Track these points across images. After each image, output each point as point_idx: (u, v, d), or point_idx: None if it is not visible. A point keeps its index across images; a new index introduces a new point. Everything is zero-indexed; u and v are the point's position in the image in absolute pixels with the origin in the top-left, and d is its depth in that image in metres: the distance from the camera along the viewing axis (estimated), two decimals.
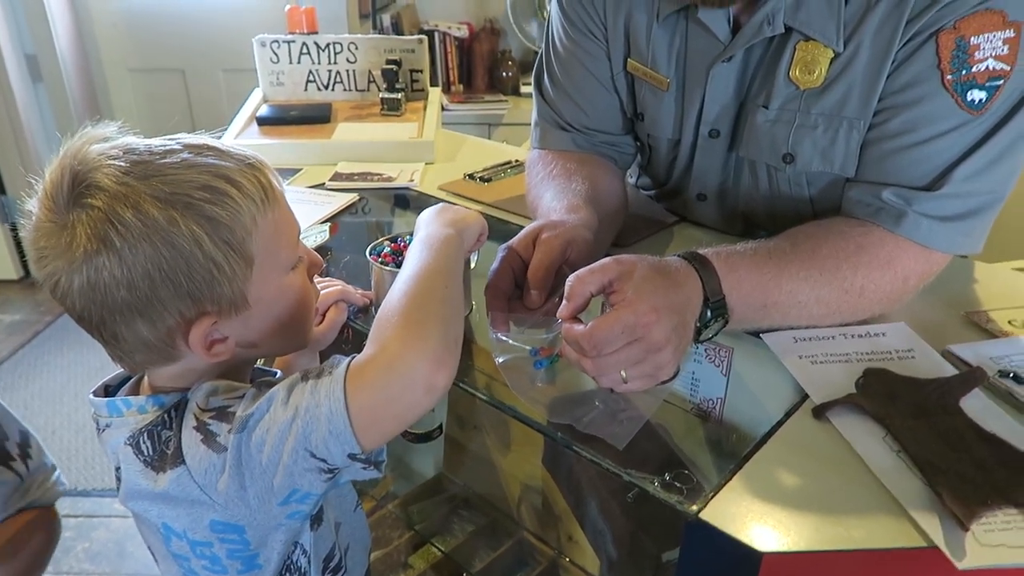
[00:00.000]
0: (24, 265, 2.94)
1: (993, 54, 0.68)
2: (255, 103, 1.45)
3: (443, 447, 1.17)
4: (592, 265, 0.62)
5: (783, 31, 0.77)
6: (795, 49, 0.77)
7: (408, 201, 1.17)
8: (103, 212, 0.54)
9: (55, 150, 0.58)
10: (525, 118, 2.60)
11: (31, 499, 0.93)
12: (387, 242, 0.80)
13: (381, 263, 0.77)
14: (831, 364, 0.70)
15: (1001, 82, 0.69)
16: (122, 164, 0.56)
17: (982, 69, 0.69)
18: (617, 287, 0.61)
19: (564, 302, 0.62)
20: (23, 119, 2.75)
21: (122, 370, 0.65)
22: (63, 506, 1.79)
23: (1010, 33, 0.67)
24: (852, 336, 0.73)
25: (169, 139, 0.59)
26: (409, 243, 0.74)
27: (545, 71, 0.99)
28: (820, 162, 0.80)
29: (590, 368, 0.60)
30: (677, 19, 0.85)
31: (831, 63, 0.76)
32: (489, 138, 2.64)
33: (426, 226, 0.68)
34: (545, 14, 2.64)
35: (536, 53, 2.74)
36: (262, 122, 1.35)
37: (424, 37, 1.49)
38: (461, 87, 2.69)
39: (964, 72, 0.69)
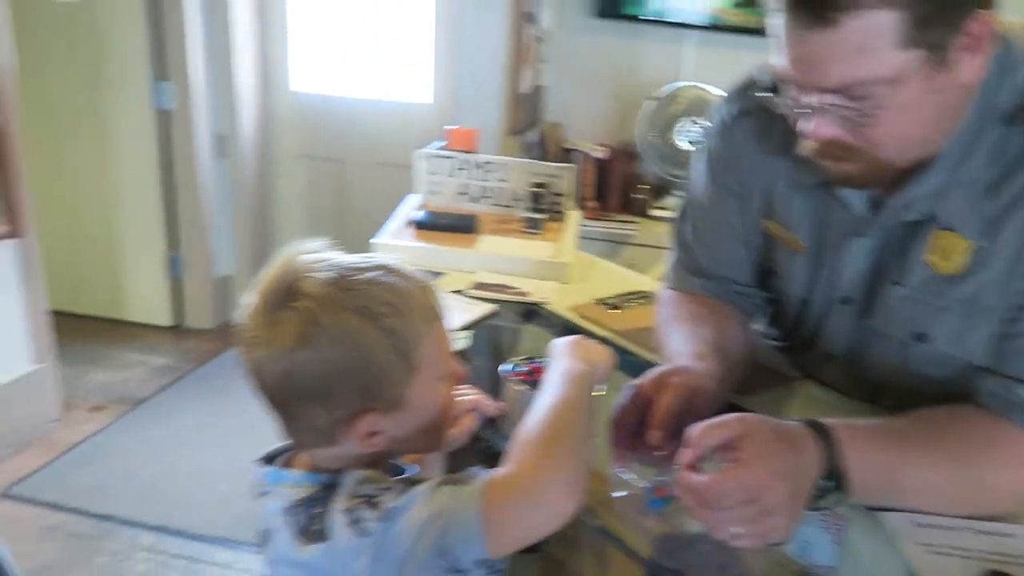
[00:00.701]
0: (176, 314, 3.27)
1: None
2: (411, 206, 1.61)
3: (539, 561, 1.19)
4: (717, 419, 0.66)
5: (922, 218, 0.80)
6: (933, 235, 0.80)
7: (540, 317, 1.25)
8: (307, 315, 0.65)
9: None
10: (653, 241, 2.69)
11: None
12: (522, 362, 0.87)
13: (517, 382, 0.84)
14: (951, 558, 0.69)
15: None
16: (326, 276, 0.67)
17: None
18: (738, 445, 0.64)
19: (685, 450, 0.66)
20: (205, 190, 3.13)
21: (283, 443, 0.74)
22: (174, 545, 1.92)
23: None
24: (978, 531, 0.72)
25: (364, 258, 0.70)
26: (542, 365, 0.80)
27: (685, 217, 1.06)
28: (954, 346, 0.81)
29: (703, 519, 0.63)
30: (816, 189, 0.90)
31: (970, 253, 0.77)
32: (617, 256, 2.73)
33: (565, 358, 0.74)
34: (676, 140, 2.75)
35: (666, 179, 2.86)
36: (416, 225, 1.50)
37: (573, 166, 1.61)
38: (595, 204, 2.82)
39: None
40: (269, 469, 0.71)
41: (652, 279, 1.52)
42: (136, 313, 3.26)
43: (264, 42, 3.19)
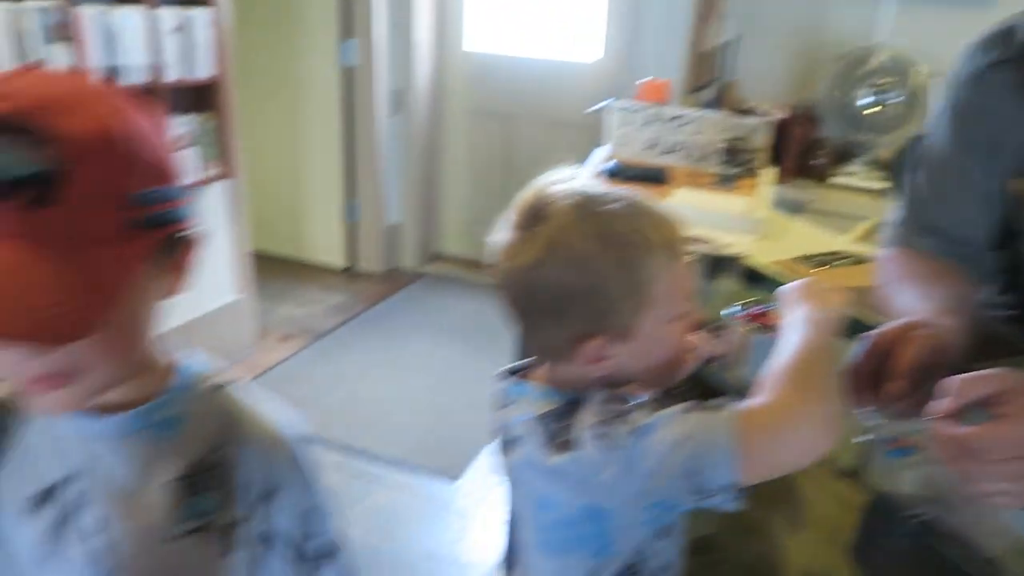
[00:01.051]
0: (350, 258, 3.51)
1: None
2: (602, 157, 1.63)
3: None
4: (983, 372, 0.64)
5: None
6: None
7: (736, 269, 1.24)
8: (549, 237, 0.69)
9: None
10: (831, 208, 2.56)
11: None
12: (747, 304, 0.88)
13: (743, 323, 0.85)
14: None
15: None
16: (574, 201, 0.70)
17: None
18: (1005, 400, 0.62)
19: (941, 401, 0.64)
20: (380, 142, 3.31)
21: (520, 361, 0.80)
22: (356, 464, 2.11)
23: None
24: None
25: (614, 189, 0.73)
26: (767, 310, 0.80)
27: (919, 170, 1.00)
28: None
29: (963, 472, 0.62)
30: None
31: None
32: None
33: (804, 302, 0.73)
34: (862, 102, 2.58)
35: (847, 144, 2.69)
36: (609, 175, 1.52)
37: (768, 121, 1.56)
38: (770, 168, 2.72)
39: None
40: (511, 382, 0.77)
41: (850, 241, 1.46)
42: (315, 255, 3.53)
43: (442, 2, 3.29)
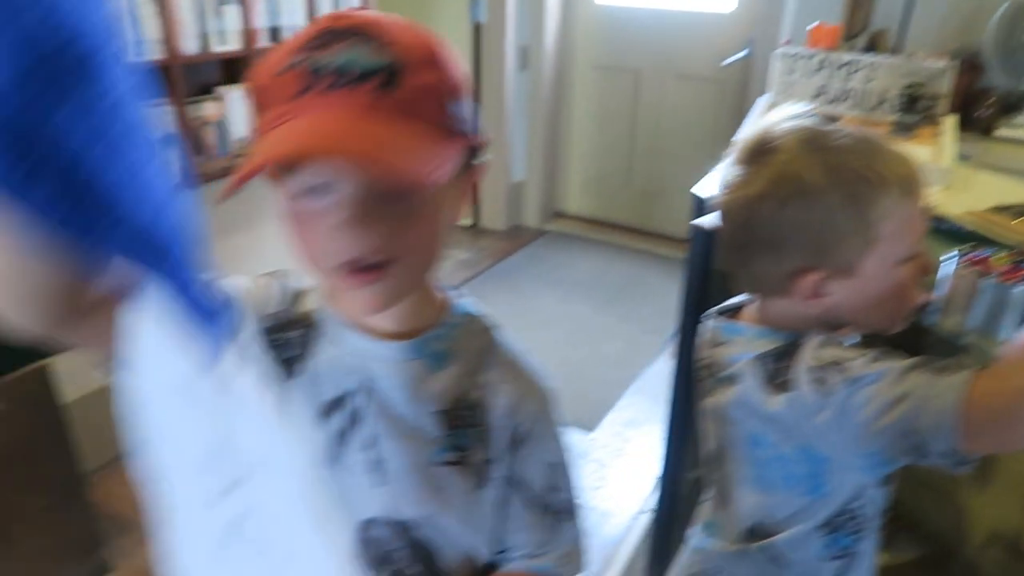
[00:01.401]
0: (474, 215, 3.57)
1: None
2: (763, 107, 1.58)
3: None
4: None
5: None
6: None
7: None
8: (777, 169, 0.68)
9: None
10: (997, 162, 2.36)
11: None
12: (967, 249, 0.84)
13: (964, 267, 0.82)
14: None
15: None
16: (803, 135, 0.69)
17: None
18: None
19: None
20: (507, 99, 3.32)
21: (729, 302, 0.80)
22: None
23: None
24: None
25: (843, 126, 0.72)
26: (988, 256, 0.77)
27: None
28: None
29: None
30: None
31: None
32: None
33: None
34: None
35: (1017, 94, 2.46)
36: None
37: (950, 64, 1.46)
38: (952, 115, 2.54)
39: None
40: (722, 321, 0.78)
41: None
42: None
43: None
